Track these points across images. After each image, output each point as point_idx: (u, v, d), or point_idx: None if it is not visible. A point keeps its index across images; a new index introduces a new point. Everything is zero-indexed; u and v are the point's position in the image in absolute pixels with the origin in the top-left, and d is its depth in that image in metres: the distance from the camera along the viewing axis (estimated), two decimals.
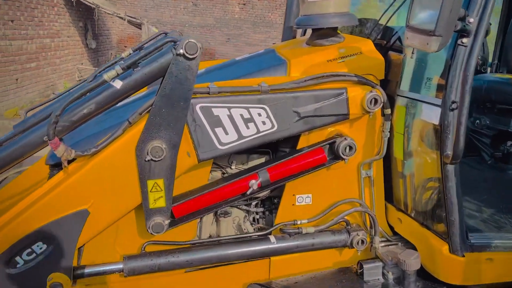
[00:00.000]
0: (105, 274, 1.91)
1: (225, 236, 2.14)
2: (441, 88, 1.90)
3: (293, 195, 2.19)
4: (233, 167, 2.25)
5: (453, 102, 1.83)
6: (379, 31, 2.42)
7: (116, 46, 15.18)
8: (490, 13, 1.75)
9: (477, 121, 3.00)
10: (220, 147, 1.90)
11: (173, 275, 2.04)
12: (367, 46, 2.20)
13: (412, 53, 2.06)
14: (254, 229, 2.31)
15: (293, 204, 2.19)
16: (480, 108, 3.00)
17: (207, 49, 15.26)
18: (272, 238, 2.10)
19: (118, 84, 1.74)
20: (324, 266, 2.25)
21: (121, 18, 12.39)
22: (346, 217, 2.18)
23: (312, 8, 2.20)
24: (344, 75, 2.04)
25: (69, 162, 1.80)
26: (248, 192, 2.01)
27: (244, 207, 2.28)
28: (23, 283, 1.76)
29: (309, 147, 2.08)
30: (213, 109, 1.85)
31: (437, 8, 1.61)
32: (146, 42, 2.41)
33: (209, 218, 2.25)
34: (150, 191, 1.83)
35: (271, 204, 2.34)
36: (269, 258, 2.15)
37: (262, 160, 2.30)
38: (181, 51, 1.68)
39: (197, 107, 1.83)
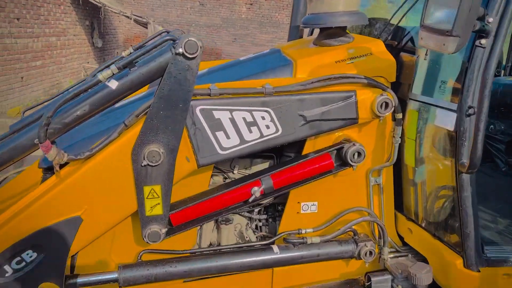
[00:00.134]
0: (99, 284, 1.82)
1: (225, 246, 2.04)
2: (456, 92, 1.79)
3: (298, 202, 2.08)
4: (235, 171, 2.16)
5: (470, 107, 1.71)
6: (390, 31, 2.31)
7: (122, 45, 15.15)
8: None
9: (491, 126, 2.88)
10: (221, 152, 1.80)
11: (171, 286, 1.94)
12: (378, 46, 2.09)
13: (426, 54, 1.95)
14: (256, 237, 2.21)
15: (297, 212, 2.09)
16: (495, 112, 2.88)
17: (213, 49, 15.20)
18: (275, 248, 1.99)
19: (113, 84, 1.64)
20: (329, 278, 2.15)
21: (127, 17, 12.35)
22: (353, 227, 2.07)
23: (320, 6, 2.10)
24: (353, 77, 1.94)
25: (62, 166, 1.72)
26: (250, 200, 1.91)
27: (247, 214, 2.19)
28: None
29: (315, 153, 1.98)
30: (214, 112, 1.76)
31: (455, 6, 1.50)
32: (148, 41, 2.31)
33: (209, 225, 2.15)
34: (147, 198, 1.73)
35: (274, 211, 2.24)
36: (272, 269, 2.05)
37: (266, 165, 2.20)
38: (181, 50, 1.58)
39: (197, 110, 1.73)
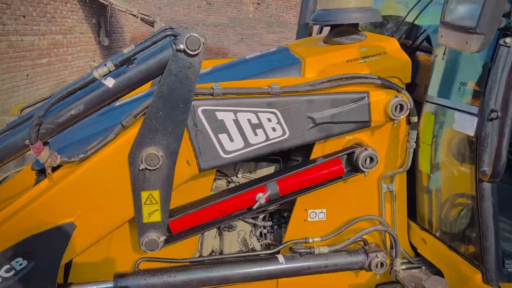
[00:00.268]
0: None
1: (228, 255, 1.94)
2: (477, 95, 1.67)
3: (305, 209, 1.97)
4: (239, 175, 2.05)
5: (493, 110, 1.59)
6: (405, 29, 2.18)
7: (129, 43, 15.11)
8: None
9: None
10: (224, 155, 1.69)
11: None
12: (392, 45, 1.96)
13: (444, 53, 1.83)
14: (261, 245, 2.10)
15: (304, 220, 1.98)
16: None
17: (220, 49, 15.13)
18: (280, 257, 1.88)
19: (110, 82, 1.54)
20: None
21: (134, 15, 12.31)
22: (364, 236, 1.95)
23: (331, 3, 1.98)
24: (366, 77, 1.82)
25: (56, 168, 1.62)
26: (254, 207, 1.80)
27: (251, 221, 2.08)
28: None
29: (324, 157, 1.86)
30: (217, 113, 1.65)
31: (479, 2, 1.38)
32: (150, 38, 2.21)
33: (211, 231, 2.05)
34: (144, 204, 1.63)
35: (280, 217, 2.13)
36: (277, 280, 1.95)
37: (272, 169, 2.09)
38: (182, 46, 1.48)
39: (199, 110, 1.63)
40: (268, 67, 2.01)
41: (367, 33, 2.09)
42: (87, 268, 1.79)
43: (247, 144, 1.71)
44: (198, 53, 1.50)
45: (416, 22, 2.13)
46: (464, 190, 1.80)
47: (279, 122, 1.72)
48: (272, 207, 1.96)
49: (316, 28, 2.73)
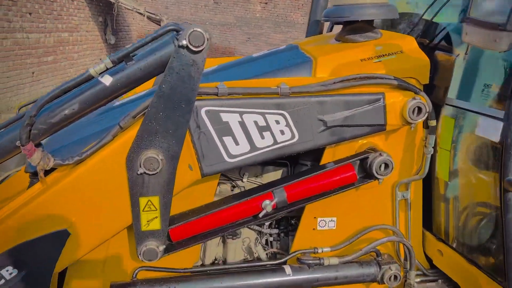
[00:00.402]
0: None
1: (231, 265, 1.83)
2: (503, 98, 1.54)
3: (314, 217, 1.86)
4: (244, 180, 1.94)
5: None
6: (422, 27, 2.06)
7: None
8: None
9: None
10: (228, 159, 1.58)
11: None
12: (409, 44, 1.84)
13: (466, 53, 1.71)
14: (266, 254, 1.99)
15: (313, 229, 1.87)
16: None
17: (226, 48, 15.05)
18: (287, 268, 1.77)
19: (107, 80, 1.44)
20: None
21: (141, 13, 12.27)
22: (376, 247, 1.83)
23: None
24: (382, 78, 1.70)
25: (49, 171, 1.52)
26: (260, 215, 1.69)
27: (256, 228, 1.98)
28: None
29: (335, 163, 1.75)
30: (221, 114, 1.54)
31: None
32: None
33: (215, 239, 1.93)
34: (143, 211, 1.53)
35: (287, 225, 2.02)
36: None
37: (279, 173, 1.98)
38: (184, 42, 1.37)
39: (202, 111, 1.52)
40: (276, 66, 1.90)
41: (383, 31, 1.96)
42: (82, 277, 1.69)
43: (253, 147, 1.60)
44: (202, 49, 1.39)
45: (433, 20, 2.01)
46: (486, 199, 1.68)
47: (288, 125, 1.61)
48: (279, 215, 1.85)
49: (326, 25, 2.61)
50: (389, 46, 1.83)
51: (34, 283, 1.52)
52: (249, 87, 1.60)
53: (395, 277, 1.81)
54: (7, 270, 1.49)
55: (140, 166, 1.46)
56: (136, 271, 1.70)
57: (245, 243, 1.99)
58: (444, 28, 1.91)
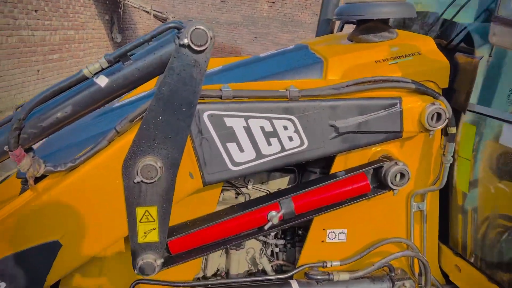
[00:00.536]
0: None
1: (234, 279, 1.72)
2: None
3: (323, 229, 1.75)
4: (249, 187, 1.83)
5: None
6: (441, 27, 1.94)
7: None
8: None
9: None
10: (232, 167, 1.48)
11: None
12: (428, 45, 1.72)
13: (490, 55, 1.58)
14: (272, 266, 1.88)
15: (322, 241, 1.76)
16: None
17: (233, 48, 14.96)
18: (294, 283, 1.67)
19: (102, 81, 1.33)
20: None
21: (147, 12, 12.21)
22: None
23: None
24: (398, 81, 1.58)
25: (41, 178, 1.42)
26: (266, 227, 1.58)
27: (261, 238, 1.87)
28: None
29: (347, 172, 1.63)
30: (225, 119, 1.44)
31: None
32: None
33: None
34: (140, 222, 1.42)
35: (294, 235, 1.91)
36: None
37: (286, 180, 1.87)
38: (186, 40, 1.26)
39: (205, 115, 1.42)
40: (285, 67, 1.78)
41: (399, 31, 1.84)
42: None
43: (259, 155, 1.49)
44: (205, 49, 1.28)
45: (452, 19, 1.88)
46: (509, 212, 1.56)
47: (296, 131, 1.50)
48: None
49: (337, 25, 2.49)
50: (405, 47, 1.72)
51: None
52: (255, 89, 1.50)
53: None
54: None
55: (137, 174, 1.36)
56: (133, 284, 1.60)
57: (249, 254, 1.88)
58: (464, 28, 1.78)
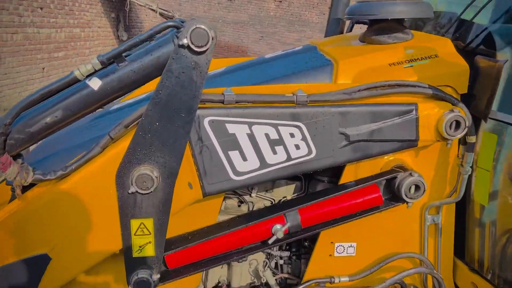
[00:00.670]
0: None
1: None
2: None
3: (331, 242, 1.65)
4: (253, 195, 1.73)
5: None
6: (457, 28, 1.82)
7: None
8: None
9: None
10: (234, 177, 1.38)
11: None
12: (446, 47, 1.61)
13: None
14: (276, 280, 1.78)
15: (330, 255, 1.66)
16: None
17: (239, 47, 14.88)
18: None
19: (95, 83, 1.24)
20: None
21: (153, 10, 12.17)
22: None
23: None
24: (414, 86, 1.47)
25: (29, 187, 1.33)
26: (270, 241, 1.48)
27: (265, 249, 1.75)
28: None
29: (358, 182, 1.52)
30: (227, 125, 1.34)
31: None
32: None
33: None
34: (135, 235, 1.33)
35: (300, 247, 1.81)
36: None
37: (291, 188, 1.76)
38: (185, 41, 1.16)
39: (206, 121, 1.33)
40: (292, 70, 1.68)
41: (414, 32, 1.73)
42: None
43: (263, 164, 1.39)
44: (206, 49, 1.19)
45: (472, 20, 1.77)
46: None
47: (304, 138, 1.40)
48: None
49: (347, 25, 2.38)
50: (422, 49, 1.61)
51: None
52: (260, 94, 1.40)
53: None
54: None
55: (132, 184, 1.27)
56: None
57: (252, 266, 1.79)
58: (485, 29, 1.67)
